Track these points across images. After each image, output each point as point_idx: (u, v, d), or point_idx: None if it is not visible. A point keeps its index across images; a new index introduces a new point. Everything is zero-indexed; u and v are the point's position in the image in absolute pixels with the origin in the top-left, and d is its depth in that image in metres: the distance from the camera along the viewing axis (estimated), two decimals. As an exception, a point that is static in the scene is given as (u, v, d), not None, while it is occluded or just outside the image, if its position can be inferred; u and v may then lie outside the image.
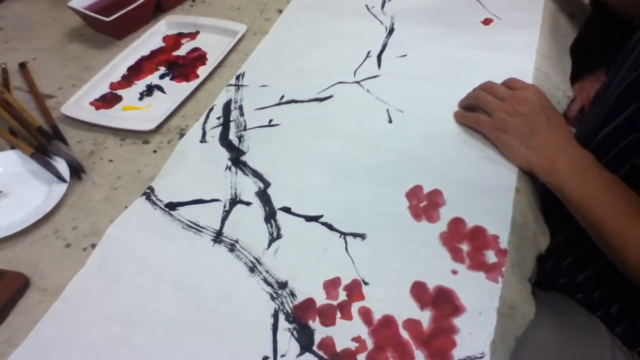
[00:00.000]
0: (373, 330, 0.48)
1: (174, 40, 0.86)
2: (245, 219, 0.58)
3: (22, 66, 0.83)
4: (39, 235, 0.58)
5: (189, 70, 0.79)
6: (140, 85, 0.78)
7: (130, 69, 0.81)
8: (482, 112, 0.65)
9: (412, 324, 0.48)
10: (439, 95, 0.71)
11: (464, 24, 0.83)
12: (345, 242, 0.55)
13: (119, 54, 0.82)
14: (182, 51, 0.84)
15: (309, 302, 0.50)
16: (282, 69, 0.78)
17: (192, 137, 0.68)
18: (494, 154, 0.63)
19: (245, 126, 0.69)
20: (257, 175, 0.63)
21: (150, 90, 0.76)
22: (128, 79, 0.79)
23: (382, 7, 0.89)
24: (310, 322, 0.49)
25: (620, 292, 0.63)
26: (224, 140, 0.67)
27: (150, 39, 0.86)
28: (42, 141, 0.67)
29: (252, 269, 0.53)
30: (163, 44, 0.85)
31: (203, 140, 0.68)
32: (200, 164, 0.65)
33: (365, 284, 0.51)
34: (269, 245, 0.55)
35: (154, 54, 0.83)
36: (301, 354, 0.47)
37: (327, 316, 0.49)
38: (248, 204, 0.60)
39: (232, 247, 0.55)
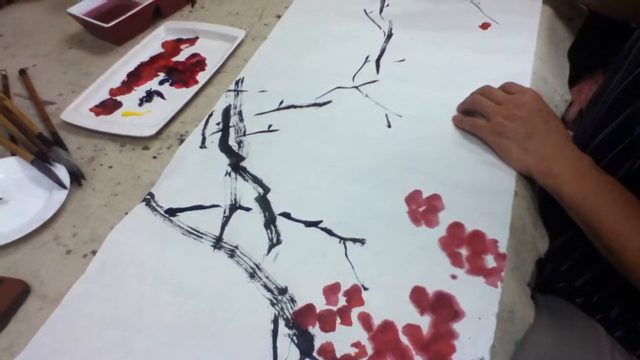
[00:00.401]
0: (373, 335, 0.48)
1: (173, 46, 0.86)
2: (245, 224, 0.58)
3: (22, 73, 0.83)
4: (39, 242, 0.59)
5: (188, 76, 0.79)
6: (139, 91, 0.78)
7: (129, 75, 0.81)
8: (480, 116, 0.65)
9: (411, 329, 0.48)
10: (437, 99, 0.71)
11: (462, 28, 0.83)
12: (345, 247, 0.55)
13: (118, 60, 0.82)
14: (181, 57, 0.84)
15: (309, 308, 0.50)
16: (281, 74, 0.78)
17: (192, 143, 0.68)
18: (493, 157, 0.63)
19: (244, 131, 0.69)
20: (256, 180, 0.63)
21: (149, 96, 0.77)
22: (127, 85, 0.79)
23: (381, 12, 0.89)
24: (310, 328, 0.49)
25: (619, 295, 0.63)
26: (224, 145, 0.68)
27: (149, 45, 0.86)
28: (42, 148, 0.67)
29: (252, 275, 0.53)
30: (162, 50, 0.86)
31: (203, 146, 0.68)
32: (200, 170, 0.65)
33: (365, 289, 0.51)
34: (269, 251, 0.55)
35: (153, 59, 0.84)
36: (301, 359, 0.47)
37: (327, 322, 0.49)
38: (248, 209, 0.60)
39: (232, 253, 0.55)
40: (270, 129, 0.70)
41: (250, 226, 0.58)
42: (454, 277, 0.52)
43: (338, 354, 0.47)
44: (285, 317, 0.50)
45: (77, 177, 0.65)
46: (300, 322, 0.49)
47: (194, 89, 0.76)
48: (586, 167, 0.58)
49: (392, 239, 0.55)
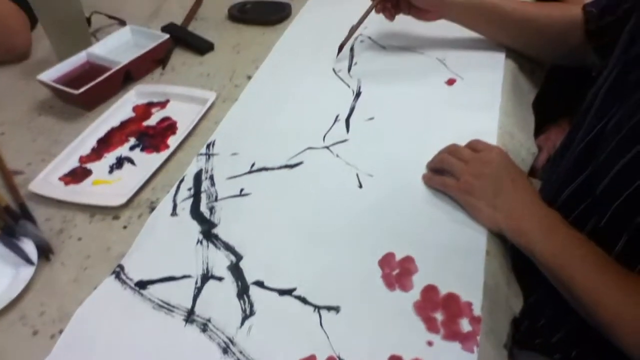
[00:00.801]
0: (350, 410, 0.47)
1: (143, 110, 0.86)
2: (218, 295, 0.57)
3: (-10, 142, 0.82)
4: (4, 323, 0.57)
5: (159, 141, 0.79)
6: (110, 157, 0.77)
7: (100, 141, 0.81)
8: (449, 174, 0.66)
9: (389, 402, 0.47)
10: (407, 157, 0.72)
11: (428, 85, 0.85)
12: (320, 316, 0.54)
13: (88, 126, 0.82)
14: (152, 121, 0.84)
15: (284, 383, 0.49)
16: (252, 136, 0.79)
17: (163, 211, 0.68)
18: (463, 216, 0.64)
19: (216, 197, 0.69)
20: (228, 248, 0.62)
21: (120, 162, 0.76)
22: (98, 151, 0.79)
23: (349, 70, 0.91)
24: (286, 405, 0.48)
25: (597, 352, 0.63)
26: (195, 212, 0.67)
27: (120, 110, 0.86)
28: (9, 222, 0.66)
29: (225, 350, 0.52)
30: (133, 114, 0.86)
31: (174, 213, 0.67)
32: (171, 239, 0.64)
33: (341, 360, 0.51)
34: (242, 323, 0.54)
35: (124, 124, 0.83)
36: None
37: (302, 397, 0.48)
38: (220, 279, 0.59)
39: (204, 327, 0.54)
40: (242, 193, 0.69)
41: (222, 297, 0.57)
42: (430, 343, 0.51)
43: None
44: (260, 394, 0.49)
45: (45, 252, 0.63)
46: (275, 399, 0.48)
47: (164, 154, 0.76)
48: (555, 224, 0.59)
49: (366, 305, 0.55)
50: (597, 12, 0.79)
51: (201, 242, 0.63)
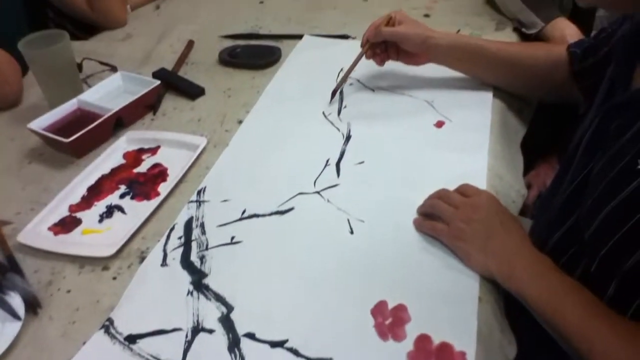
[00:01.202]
0: None
1: (134, 157, 0.86)
2: (209, 349, 0.57)
3: (-21, 191, 0.82)
4: (-10, 382, 0.56)
5: (150, 188, 0.79)
6: (100, 206, 0.77)
7: (90, 189, 0.80)
8: (439, 219, 0.66)
9: None
10: (397, 202, 0.72)
11: (417, 128, 0.86)
12: (312, 369, 0.54)
13: (79, 174, 0.82)
14: (142, 167, 0.84)
15: None
16: (243, 182, 0.79)
17: (153, 261, 0.67)
18: (455, 261, 0.64)
19: (207, 245, 0.69)
20: (219, 299, 0.62)
21: (110, 211, 0.76)
22: (88, 200, 0.78)
23: (339, 113, 0.92)
24: None
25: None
26: (186, 262, 0.67)
27: (110, 157, 0.86)
28: (-3, 275, 0.65)
29: (216, 407, 0.51)
30: (123, 161, 0.86)
31: (164, 263, 0.67)
32: (161, 290, 0.63)
33: (334, 416, 0.50)
34: (233, 379, 0.53)
35: (115, 172, 0.83)
36: None
37: None
38: (211, 331, 0.58)
39: (194, 383, 0.53)
40: (233, 241, 0.69)
41: (213, 351, 0.56)
42: (424, 396, 0.50)
43: None
44: None
45: (32, 306, 0.62)
46: None
47: (155, 201, 0.76)
48: (546, 269, 0.59)
49: (359, 357, 0.54)
50: (580, 53, 0.80)
51: (192, 293, 0.63)
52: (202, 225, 0.72)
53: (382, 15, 0.93)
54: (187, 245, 0.69)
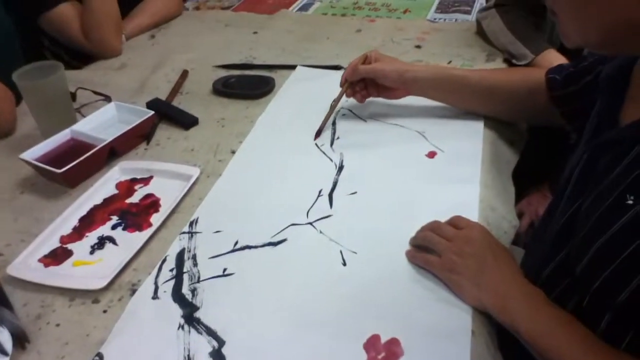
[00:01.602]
0: None
1: (127, 187, 0.86)
2: (199, 384, 0.56)
3: (-30, 223, 0.81)
4: (-24, 420, 0.54)
5: (142, 219, 0.79)
6: (91, 237, 0.77)
7: (81, 219, 0.80)
8: (432, 251, 0.67)
9: None
10: (390, 233, 0.72)
11: (409, 158, 0.87)
12: (304, 406, 0.53)
13: (71, 204, 0.82)
14: (135, 198, 0.84)
15: None
16: (235, 213, 0.79)
17: (144, 294, 0.67)
18: (447, 294, 0.63)
19: (199, 277, 0.68)
20: (211, 333, 0.61)
21: (101, 242, 0.76)
22: (79, 231, 0.78)
23: (332, 144, 0.92)
24: None
25: None
26: (177, 295, 0.66)
27: (103, 187, 0.86)
28: (-15, 309, 0.64)
29: None
30: (116, 191, 0.86)
31: (155, 296, 0.66)
32: (151, 324, 0.63)
33: None
34: (224, 416, 0.53)
35: (107, 202, 0.83)
36: None
37: None
38: (202, 366, 0.58)
39: (184, 421, 0.52)
40: (225, 273, 0.69)
41: (204, 386, 0.56)
42: None
43: None
44: None
45: (20, 340, 0.61)
46: None
47: (147, 232, 0.76)
48: (539, 302, 0.59)
49: (352, 393, 0.54)
50: (560, 79, 0.82)
51: (183, 327, 0.62)
52: (194, 257, 0.72)
53: (361, 55, 0.96)
54: (178, 277, 0.69)
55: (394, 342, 0.58)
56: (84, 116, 1.01)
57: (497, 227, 0.76)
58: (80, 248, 0.75)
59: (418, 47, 1.26)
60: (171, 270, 0.70)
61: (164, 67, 1.24)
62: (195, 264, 0.70)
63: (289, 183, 0.84)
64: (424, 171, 0.84)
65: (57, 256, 0.74)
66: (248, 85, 1.12)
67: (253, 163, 0.89)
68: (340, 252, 0.70)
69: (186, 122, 1.02)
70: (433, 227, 0.69)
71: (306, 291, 0.65)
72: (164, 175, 0.88)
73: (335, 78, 0.98)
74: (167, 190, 0.85)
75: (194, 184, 0.85)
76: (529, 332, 0.57)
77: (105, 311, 0.65)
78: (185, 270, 0.70)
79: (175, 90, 1.13)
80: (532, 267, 0.68)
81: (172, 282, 0.68)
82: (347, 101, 1.01)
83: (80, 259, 0.73)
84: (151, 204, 0.82)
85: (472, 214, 0.73)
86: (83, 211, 0.82)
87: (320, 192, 0.81)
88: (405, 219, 0.74)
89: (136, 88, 1.16)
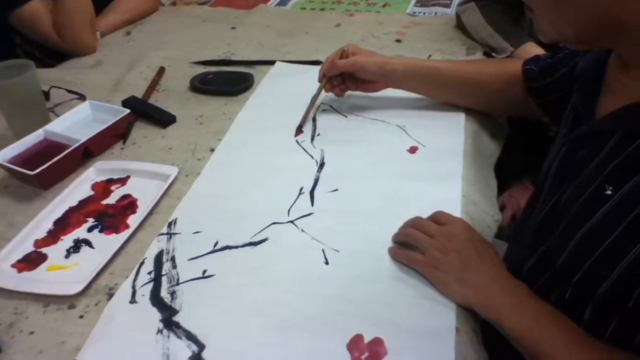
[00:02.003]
0: None
1: (103, 188, 0.84)
2: (179, 390, 0.54)
3: (-60, 228, 0.78)
4: None
5: (119, 221, 0.77)
6: (66, 240, 0.75)
7: (56, 222, 0.78)
8: (415, 248, 0.66)
9: None
10: (372, 230, 0.72)
11: (391, 154, 0.86)
12: (287, 410, 0.52)
13: (45, 207, 0.79)
14: (112, 199, 0.82)
15: None
16: (215, 213, 0.77)
17: (121, 298, 0.65)
18: (431, 291, 0.63)
19: (178, 280, 0.67)
20: (190, 337, 0.59)
21: (77, 246, 0.73)
22: (54, 234, 0.76)
23: (312, 140, 0.91)
24: None
25: None
26: (155, 298, 0.65)
27: (78, 188, 0.84)
28: (-45, 317, 0.62)
29: None
30: (92, 193, 0.84)
31: (133, 300, 0.64)
32: (129, 329, 0.61)
33: None
34: (205, 422, 0.51)
35: (82, 204, 0.81)
36: None
37: None
38: (181, 372, 0.56)
39: None
40: (205, 274, 0.67)
41: (184, 392, 0.54)
42: None
43: None
44: None
45: (-7, 349, 0.59)
46: None
47: (124, 234, 0.74)
48: (524, 297, 0.59)
49: (336, 395, 0.53)
50: (537, 70, 0.82)
51: (161, 332, 0.60)
52: (173, 259, 0.70)
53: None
54: (157, 280, 0.67)
55: (377, 342, 0.57)
56: (57, 116, 0.98)
57: (480, 221, 0.75)
58: (55, 252, 0.73)
59: (398, 41, 1.25)
60: (149, 273, 0.68)
61: (140, 64, 1.21)
62: (174, 266, 0.69)
63: (270, 181, 0.82)
64: (406, 167, 0.83)
65: (31, 261, 0.72)
66: (226, 81, 1.10)
67: (232, 161, 0.88)
68: (323, 250, 0.69)
69: (163, 120, 1.00)
70: (415, 224, 0.68)
71: (288, 292, 0.64)
72: (141, 175, 0.86)
73: (315, 73, 0.97)
74: (144, 191, 0.83)
75: (172, 183, 0.83)
76: (513, 327, 0.57)
77: (81, 317, 0.64)
78: (163, 272, 0.68)
79: (152, 87, 1.11)
80: (515, 261, 0.68)
81: (151, 285, 0.66)
82: (327, 96, 1.00)
83: (55, 263, 0.71)
84: (128, 205, 0.80)
85: (455, 209, 0.73)
86: (58, 214, 0.79)
87: (301, 189, 0.80)
88: (388, 216, 0.73)
89: (111, 86, 1.14)
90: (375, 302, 0.62)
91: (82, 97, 1.06)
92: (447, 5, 1.47)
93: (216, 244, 0.72)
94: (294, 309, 0.62)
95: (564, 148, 0.61)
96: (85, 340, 0.60)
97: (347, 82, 0.96)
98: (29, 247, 0.74)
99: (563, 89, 0.75)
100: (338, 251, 0.69)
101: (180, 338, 0.59)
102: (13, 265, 0.71)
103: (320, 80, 0.95)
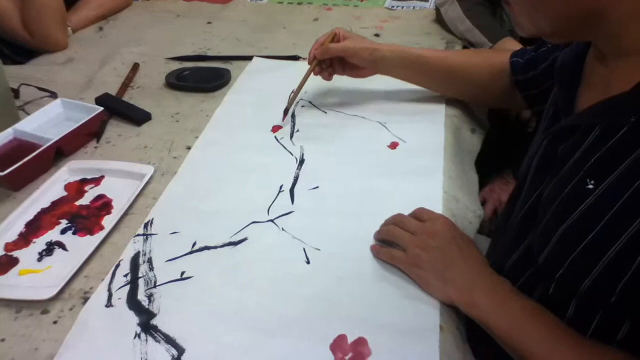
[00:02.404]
0: None
1: (76, 188, 0.82)
2: (158, 397, 0.53)
3: None
4: None
5: (93, 222, 0.75)
6: (39, 243, 0.72)
7: (28, 224, 0.75)
8: (396, 245, 0.65)
9: None
10: (353, 228, 0.71)
11: (371, 150, 0.85)
12: (270, 414, 0.51)
13: (15, 209, 0.77)
14: (85, 199, 0.80)
15: None
16: (192, 212, 0.75)
17: (96, 302, 0.63)
18: (414, 290, 0.62)
19: (155, 282, 0.65)
20: (169, 341, 0.58)
21: (50, 249, 0.71)
22: (25, 237, 0.73)
23: (291, 137, 0.90)
24: None
25: None
26: (132, 301, 0.63)
27: (50, 189, 0.81)
28: None
29: None
30: (65, 193, 0.81)
31: (109, 304, 0.63)
32: (105, 334, 0.59)
33: None
34: None
35: (55, 205, 0.79)
36: None
37: None
38: (160, 377, 0.55)
39: None
40: (183, 276, 0.66)
41: (163, 399, 0.53)
42: None
43: None
44: None
45: (-38, 359, 0.57)
46: None
47: (99, 236, 0.72)
48: (507, 294, 0.59)
49: (319, 397, 0.52)
50: (522, 63, 0.82)
51: (139, 336, 0.59)
52: (150, 261, 0.68)
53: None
54: (133, 283, 0.65)
55: (361, 342, 0.56)
56: (28, 114, 0.95)
57: (462, 217, 0.75)
58: (26, 255, 0.71)
59: (377, 35, 1.24)
60: (125, 275, 0.66)
61: (113, 60, 1.19)
62: (151, 268, 0.67)
63: (248, 179, 0.81)
64: (387, 163, 0.82)
65: (2, 265, 0.69)
66: (202, 77, 1.08)
67: (210, 159, 0.86)
68: (304, 249, 0.68)
69: (138, 118, 0.97)
70: (396, 221, 0.67)
71: (269, 292, 0.63)
72: (116, 174, 0.84)
73: (293, 69, 0.96)
74: (119, 191, 0.80)
75: (147, 183, 0.81)
76: (497, 324, 0.56)
77: (55, 322, 0.61)
78: (140, 275, 0.66)
79: (126, 84, 1.08)
80: (498, 257, 0.68)
81: (127, 288, 0.64)
82: (306, 92, 0.99)
83: (27, 267, 0.69)
84: (103, 205, 0.78)
85: (436, 206, 0.72)
86: (29, 215, 0.77)
87: (281, 187, 0.79)
88: (369, 213, 0.72)
89: (84, 83, 1.11)
90: (359, 301, 0.61)
91: (53, 95, 1.03)
92: (426, -1, 1.46)
93: (194, 244, 0.70)
94: (276, 310, 0.60)
95: (545, 142, 0.61)
96: (59, 347, 0.58)
97: (334, 65, 0.94)
98: (-1, 251, 0.71)
99: (545, 82, 0.75)
100: (319, 250, 0.68)
101: (159, 342, 0.58)
102: (-18, 271, 0.69)
103: (310, 63, 0.93)
